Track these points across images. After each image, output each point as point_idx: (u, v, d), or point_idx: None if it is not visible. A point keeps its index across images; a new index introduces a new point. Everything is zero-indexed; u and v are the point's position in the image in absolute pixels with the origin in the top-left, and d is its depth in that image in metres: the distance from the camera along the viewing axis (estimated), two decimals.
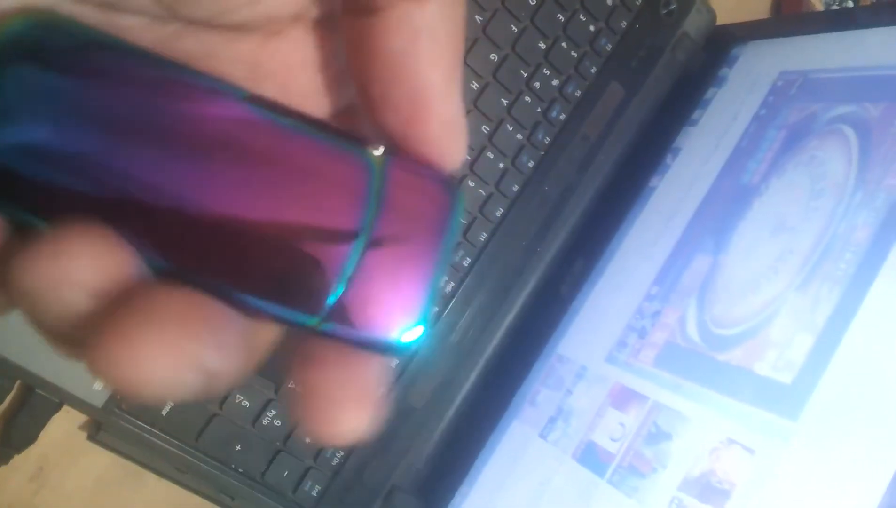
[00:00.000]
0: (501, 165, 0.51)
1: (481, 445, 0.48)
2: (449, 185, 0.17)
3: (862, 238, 0.38)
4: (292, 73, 0.18)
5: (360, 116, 0.18)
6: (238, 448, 0.44)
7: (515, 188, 0.52)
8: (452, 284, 0.49)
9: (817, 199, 0.42)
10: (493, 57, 0.50)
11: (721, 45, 0.57)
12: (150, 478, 0.43)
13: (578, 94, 0.54)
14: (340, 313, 0.15)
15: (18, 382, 0.40)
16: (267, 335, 0.16)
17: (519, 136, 0.51)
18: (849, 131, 0.44)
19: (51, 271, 0.13)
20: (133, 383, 0.13)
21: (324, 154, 0.16)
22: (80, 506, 0.42)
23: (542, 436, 0.46)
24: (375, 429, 0.15)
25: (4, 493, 0.40)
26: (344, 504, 0.47)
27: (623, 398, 0.44)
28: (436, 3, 0.16)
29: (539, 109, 0.52)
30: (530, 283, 0.52)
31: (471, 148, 0.50)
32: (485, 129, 0.50)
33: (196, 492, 0.44)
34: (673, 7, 0.57)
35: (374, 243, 0.15)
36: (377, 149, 0.16)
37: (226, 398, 0.43)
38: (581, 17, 0.53)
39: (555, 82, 0.53)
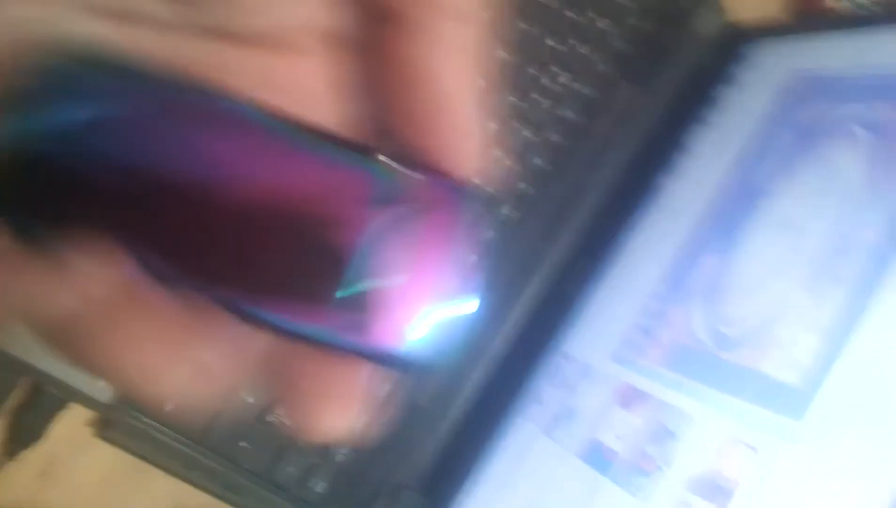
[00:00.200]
0: (509, 163, 0.51)
1: (487, 443, 0.48)
2: (469, 197, 0.16)
3: (871, 239, 0.38)
4: (304, 85, 0.18)
5: (370, 128, 0.18)
6: (244, 444, 0.44)
7: (523, 186, 0.51)
8: None
9: (827, 199, 0.42)
10: (502, 55, 0.50)
11: (733, 43, 0.56)
12: (157, 474, 0.43)
13: (588, 92, 0.53)
14: (350, 324, 0.15)
15: (26, 378, 0.40)
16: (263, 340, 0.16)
17: (527, 134, 0.51)
18: (861, 132, 0.44)
19: (53, 281, 0.13)
20: (133, 384, 0.13)
21: (334, 165, 0.15)
22: (87, 502, 0.43)
23: (548, 434, 0.46)
24: (366, 430, 0.15)
25: (12, 489, 0.41)
26: (349, 500, 0.47)
27: (629, 396, 0.44)
28: (460, 16, 0.16)
29: (548, 108, 0.52)
30: (537, 281, 0.52)
31: None
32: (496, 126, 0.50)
33: (202, 489, 0.44)
34: (685, 4, 0.57)
35: (389, 257, 0.15)
36: (391, 159, 0.16)
37: (231, 395, 0.43)
38: (590, 14, 0.53)
39: (564, 81, 0.52)
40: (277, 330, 0.15)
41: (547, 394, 0.48)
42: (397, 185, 0.16)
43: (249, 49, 0.17)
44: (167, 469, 0.43)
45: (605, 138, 0.54)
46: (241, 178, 0.15)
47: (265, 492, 0.44)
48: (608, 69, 0.54)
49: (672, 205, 0.51)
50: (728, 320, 0.42)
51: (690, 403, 0.40)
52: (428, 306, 0.16)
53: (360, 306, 0.15)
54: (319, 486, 0.46)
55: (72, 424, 0.42)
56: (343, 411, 0.15)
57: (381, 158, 0.16)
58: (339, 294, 0.15)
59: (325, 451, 0.46)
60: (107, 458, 0.42)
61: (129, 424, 0.41)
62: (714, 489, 0.36)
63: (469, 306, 0.16)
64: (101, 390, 0.40)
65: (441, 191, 0.16)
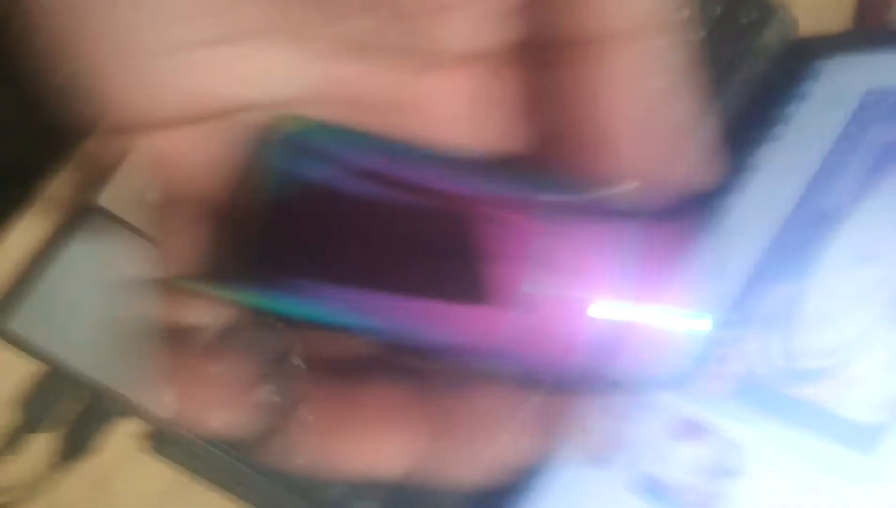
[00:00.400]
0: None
1: (532, 473, 0.47)
2: (675, 216, 0.16)
3: None
4: (452, 100, 0.17)
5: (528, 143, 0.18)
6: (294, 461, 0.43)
7: None
8: None
9: None
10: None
11: (804, 58, 0.54)
12: (207, 491, 0.43)
13: None
14: (595, 358, 0.15)
15: (80, 390, 0.40)
16: None
17: None
18: None
19: None
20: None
21: (548, 205, 0.15)
22: None
23: (597, 465, 0.45)
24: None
25: (62, 500, 0.41)
26: None
27: (688, 429, 0.42)
28: (633, 34, 0.15)
29: None
30: None
31: None
32: None
33: (249, 504, 0.43)
34: (754, 17, 0.55)
35: (635, 288, 0.15)
36: (595, 192, 0.16)
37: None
38: None
39: None
40: (534, 384, 0.16)
41: (595, 423, 0.47)
42: (632, 223, 0.15)
43: (435, 65, 0.17)
44: (218, 485, 0.42)
45: None
46: (436, 219, 0.15)
47: None
48: None
49: (741, 228, 0.49)
50: (800, 353, 0.40)
51: (753, 437, 0.39)
52: (663, 326, 0.15)
53: (603, 338, 0.15)
54: (364, 506, 0.45)
55: (125, 437, 0.42)
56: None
57: (614, 193, 0.16)
58: (576, 334, 0.15)
59: None
60: (158, 473, 0.42)
61: (181, 439, 0.41)
62: None
63: (700, 322, 0.16)
64: (156, 404, 0.40)
65: (667, 216, 0.16)
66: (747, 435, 0.39)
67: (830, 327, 0.40)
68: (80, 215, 0.38)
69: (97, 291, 0.39)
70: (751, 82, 0.55)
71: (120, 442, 0.41)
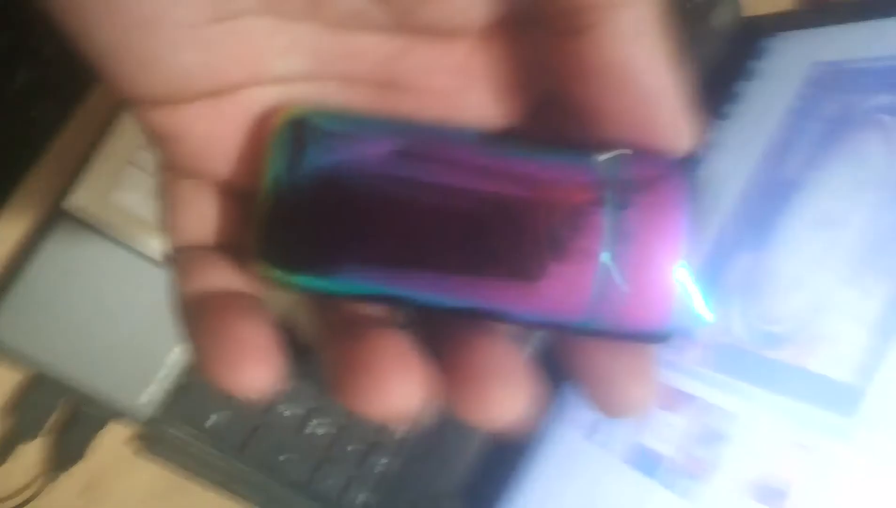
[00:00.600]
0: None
1: (527, 449, 0.48)
2: (684, 169, 0.17)
3: None
4: (461, 70, 0.18)
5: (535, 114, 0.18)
6: (283, 457, 0.43)
7: None
8: None
9: (862, 191, 0.42)
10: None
11: (752, 37, 0.56)
12: (198, 491, 0.43)
13: None
14: (606, 312, 0.16)
15: (66, 399, 0.39)
16: None
17: None
18: (890, 121, 0.43)
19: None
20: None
21: (562, 170, 0.16)
22: None
23: (590, 439, 0.46)
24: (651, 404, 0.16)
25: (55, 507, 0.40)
26: None
27: (670, 398, 0.43)
28: (639, 4, 0.16)
29: None
30: None
31: None
32: None
33: (244, 501, 0.43)
34: (701, 0, 0.56)
35: (625, 241, 0.16)
36: (609, 154, 0.16)
37: (270, 407, 0.43)
38: None
39: None
40: (551, 328, 0.17)
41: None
42: (625, 177, 0.16)
43: (450, 46, 0.17)
44: (208, 483, 0.42)
45: None
46: (464, 194, 0.16)
47: (307, 504, 0.44)
48: None
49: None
50: (770, 317, 0.41)
51: (737, 403, 0.40)
52: (671, 277, 0.16)
53: (613, 289, 0.16)
54: (361, 497, 0.46)
55: (113, 442, 0.41)
56: (646, 388, 0.16)
57: (606, 155, 0.16)
58: (591, 283, 0.16)
59: (364, 462, 0.46)
60: (148, 476, 0.42)
61: (169, 439, 0.40)
62: (768, 490, 0.36)
63: (697, 271, 0.17)
64: (141, 407, 0.40)
65: (660, 172, 0.17)
66: (729, 401, 0.40)
67: (796, 290, 0.41)
68: (51, 219, 0.38)
69: (72, 294, 0.39)
70: (702, 62, 0.56)
71: (111, 446, 0.41)
